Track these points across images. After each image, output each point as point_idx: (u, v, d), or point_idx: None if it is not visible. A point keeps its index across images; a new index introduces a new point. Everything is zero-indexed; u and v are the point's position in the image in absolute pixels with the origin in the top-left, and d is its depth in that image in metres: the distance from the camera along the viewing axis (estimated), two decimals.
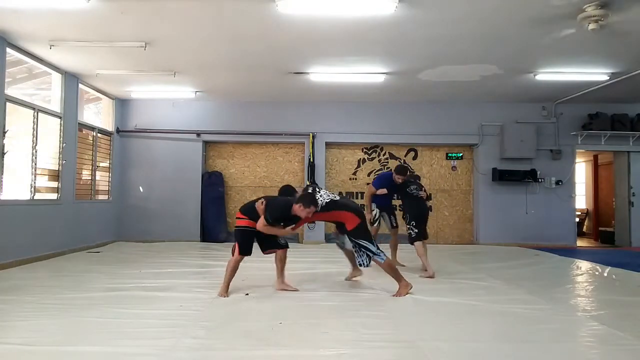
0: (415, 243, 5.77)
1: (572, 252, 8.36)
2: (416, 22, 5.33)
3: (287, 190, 5.02)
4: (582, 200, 12.41)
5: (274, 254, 4.84)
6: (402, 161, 9.96)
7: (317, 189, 4.75)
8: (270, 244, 4.76)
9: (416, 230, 5.75)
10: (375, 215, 6.26)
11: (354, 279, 5.36)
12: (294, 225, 4.59)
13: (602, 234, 11.00)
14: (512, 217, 9.54)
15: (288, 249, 4.88)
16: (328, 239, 9.57)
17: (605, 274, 6.10)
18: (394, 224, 6.44)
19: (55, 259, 6.95)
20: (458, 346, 3.13)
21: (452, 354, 2.99)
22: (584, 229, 12.41)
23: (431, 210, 6.19)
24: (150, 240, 9.20)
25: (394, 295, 4.54)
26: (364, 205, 6.45)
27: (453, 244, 9.69)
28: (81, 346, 3.04)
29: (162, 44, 6.21)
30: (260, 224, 4.40)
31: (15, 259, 6.23)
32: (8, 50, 6.16)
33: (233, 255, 4.66)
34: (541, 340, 3.27)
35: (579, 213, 11.80)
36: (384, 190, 6.10)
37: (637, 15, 5.04)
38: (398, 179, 5.92)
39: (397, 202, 6.70)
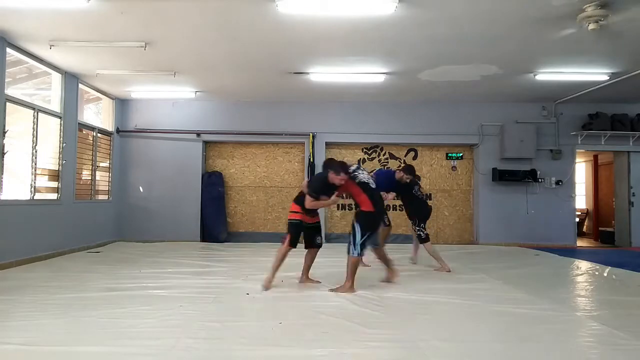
0: (426, 244, 6.15)
1: (572, 252, 8.37)
2: (416, 22, 5.33)
3: (327, 163, 5.27)
4: (582, 200, 12.41)
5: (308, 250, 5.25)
6: (402, 161, 9.96)
7: (361, 169, 5.03)
8: (311, 243, 5.15)
9: (426, 232, 6.15)
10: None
11: (390, 281, 5.27)
12: (335, 193, 4.85)
13: (602, 234, 11.00)
14: (512, 217, 9.54)
15: (318, 250, 5.23)
16: (328, 239, 9.57)
17: (605, 274, 6.10)
18: (387, 222, 6.44)
19: (55, 259, 6.95)
20: (458, 346, 3.13)
21: (452, 354, 2.99)
22: (584, 229, 12.41)
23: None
24: (150, 240, 9.20)
25: (331, 290, 4.75)
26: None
27: (453, 244, 9.69)
28: (81, 346, 3.05)
29: (162, 44, 6.20)
30: (308, 202, 4.77)
31: (15, 259, 6.23)
32: (8, 50, 6.16)
33: (283, 244, 4.91)
34: (541, 340, 3.27)
35: (579, 213, 11.80)
36: (393, 194, 6.16)
37: (637, 15, 5.04)
38: (407, 179, 6.04)
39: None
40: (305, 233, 5.08)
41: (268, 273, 4.88)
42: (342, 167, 4.69)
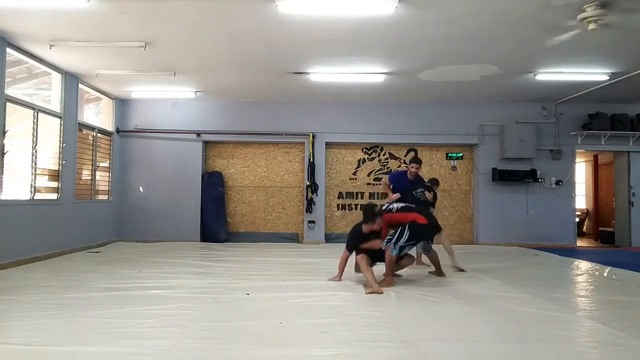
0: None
1: (572, 252, 8.37)
2: (416, 22, 5.33)
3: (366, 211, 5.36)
4: (582, 200, 12.41)
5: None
6: (402, 161, 9.97)
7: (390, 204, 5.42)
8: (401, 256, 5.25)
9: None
10: None
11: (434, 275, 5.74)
12: (378, 238, 5.06)
13: (602, 234, 11.00)
14: (512, 217, 9.54)
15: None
16: (328, 239, 9.57)
17: (605, 274, 6.10)
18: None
19: (55, 259, 6.95)
20: (458, 346, 3.13)
21: (452, 354, 2.99)
22: (584, 229, 12.41)
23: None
24: (150, 240, 9.20)
25: (367, 292, 4.67)
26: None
27: (453, 244, 9.59)
28: (81, 346, 3.05)
29: (162, 44, 6.20)
30: (357, 259, 5.01)
31: (15, 259, 6.23)
32: (8, 50, 6.15)
33: (358, 261, 5.07)
34: (541, 340, 3.27)
35: (579, 213, 11.80)
36: (397, 195, 6.13)
37: (637, 15, 5.04)
38: (413, 168, 6.12)
39: None
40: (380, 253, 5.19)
41: (369, 283, 4.75)
42: (374, 214, 4.99)
